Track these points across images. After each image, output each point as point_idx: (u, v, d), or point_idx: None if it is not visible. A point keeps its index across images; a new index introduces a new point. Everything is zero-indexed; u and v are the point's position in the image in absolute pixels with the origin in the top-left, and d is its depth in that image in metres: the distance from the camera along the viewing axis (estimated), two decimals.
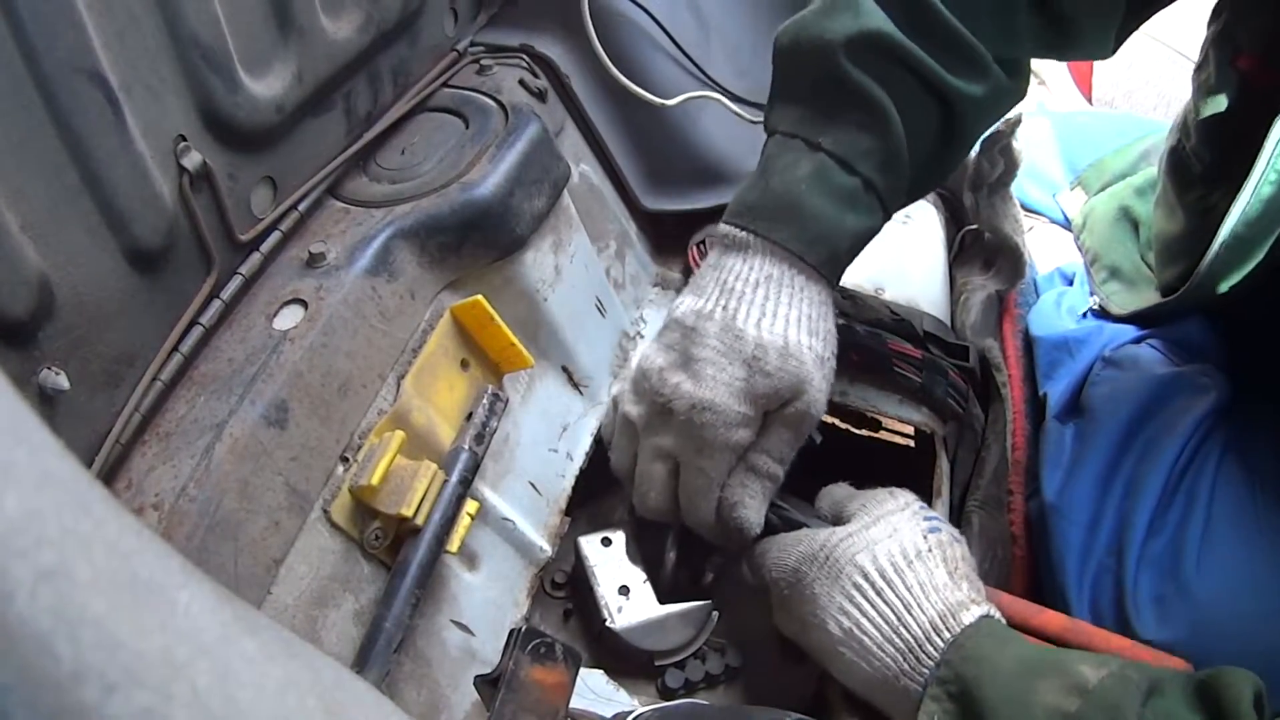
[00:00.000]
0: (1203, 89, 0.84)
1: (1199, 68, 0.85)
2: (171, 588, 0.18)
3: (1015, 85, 0.73)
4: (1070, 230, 1.10)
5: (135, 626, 0.16)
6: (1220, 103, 0.80)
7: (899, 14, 0.66)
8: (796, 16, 0.69)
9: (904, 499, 0.66)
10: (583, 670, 0.61)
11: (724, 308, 0.66)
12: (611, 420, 0.77)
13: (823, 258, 0.67)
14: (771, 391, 0.65)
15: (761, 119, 0.72)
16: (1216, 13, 0.82)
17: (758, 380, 0.65)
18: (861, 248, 0.70)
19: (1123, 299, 0.94)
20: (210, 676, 0.17)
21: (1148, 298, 0.91)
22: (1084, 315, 0.96)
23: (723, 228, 0.69)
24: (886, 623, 0.59)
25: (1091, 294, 0.99)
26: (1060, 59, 0.82)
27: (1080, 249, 1.05)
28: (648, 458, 0.69)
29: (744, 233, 0.67)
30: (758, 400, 0.66)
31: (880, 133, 0.66)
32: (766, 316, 0.66)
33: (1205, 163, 0.82)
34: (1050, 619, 0.67)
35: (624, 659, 0.72)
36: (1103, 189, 1.08)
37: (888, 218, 0.70)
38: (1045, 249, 1.09)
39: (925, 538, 0.62)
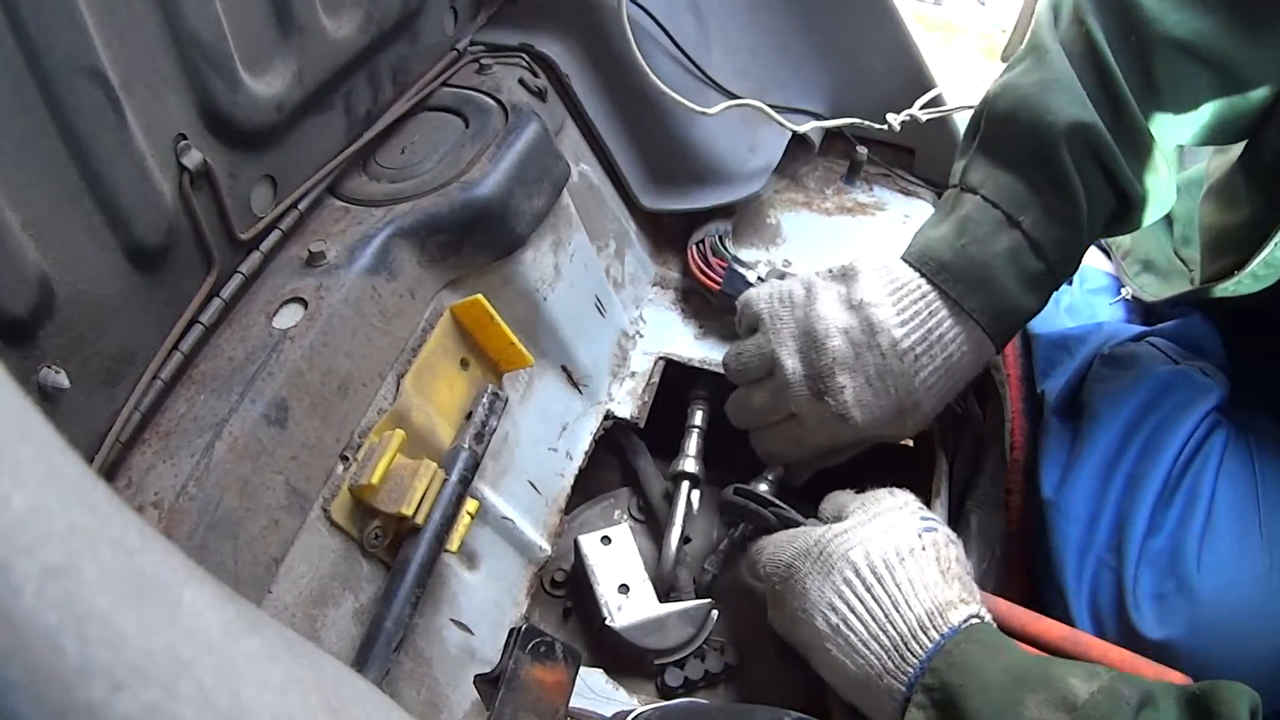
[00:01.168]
0: None
1: None
2: (176, 586, 0.18)
3: (1172, 181, 0.75)
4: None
5: (141, 624, 0.16)
6: None
7: (1102, 109, 0.68)
8: (1013, 79, 0.72)
9: (903, 498, 0.67)
10: (582, 669, 0.61)
11: (915, 357, 0.71)
12: (748, 319, 0.80)
13: (999, 331, 0.72)
14: (893, 435, 0.76)
15: (786, 122, 0.75)
16: None
17: (893, 425, 0.74)
18: (1026, 323, 0.77)
19: (1156, 289, 0.95)
20: (215, 674, 0.17)
21: (1180, 288, 0.91)
22: (1115, 303, 0.98)
23: (909, 271, 0.73)
24: (874, 618, 0.59)
25: (1121, 287, 1.00)
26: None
27: (1107, 245, 1.06)
28: (769, 403, 0.77)
29: (934, 289, 0.72)
30: (879, 433, 0.75)
31: (1071, 224, 0.70)
32: (935, 381, 0.73)
33: (1277, 153, 0.81)
34: (1048, 627, 0.67)
35: (623, 657, 0.72)
36: None
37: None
38: None
39: (919, 536, 0.62)
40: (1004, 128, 0.72)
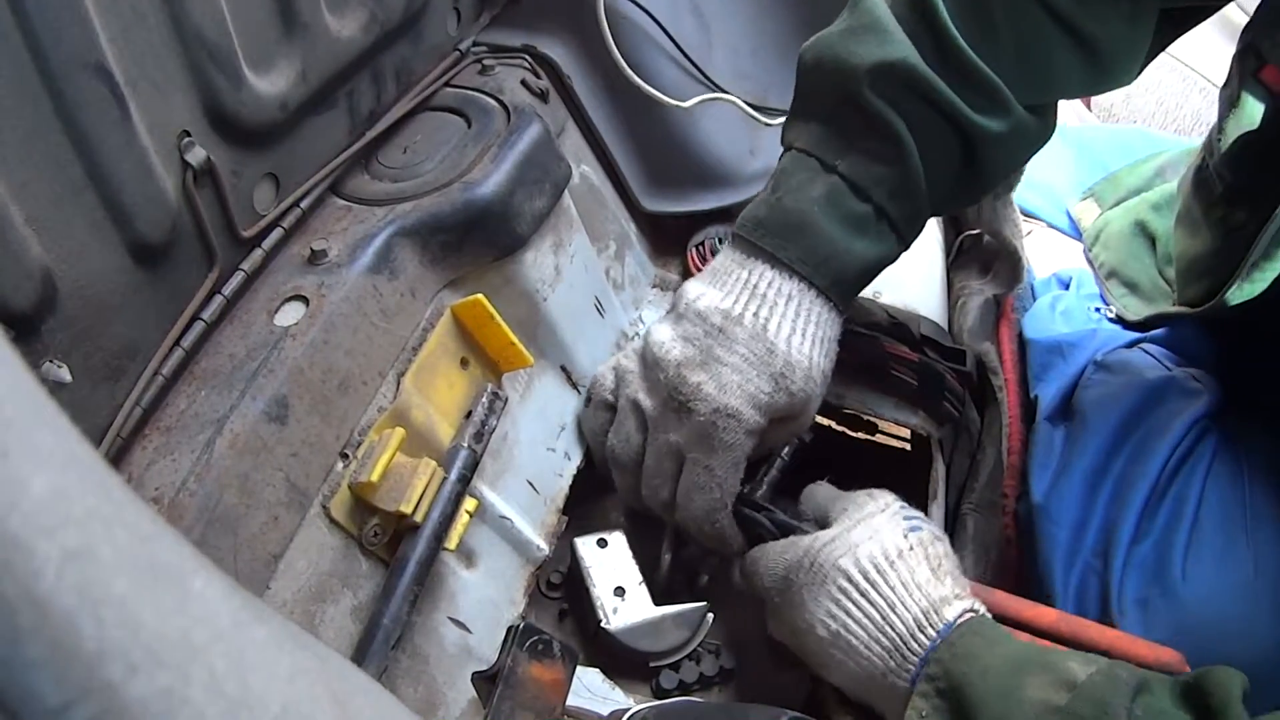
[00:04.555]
0: (1228, 105, 0.83)
1: (1225, 85, 0.84)
2: (187, 573, 0.18)
3: (1041, 124, 0.73)
4: (1078, 239, 1.10)
5: (156, 608, 0.16)
6: (1253, 116, 0.79)
7: (924, 47, 0.66)
8: (822, 34, 0.70)
9: (883, 500, 0.66)
10: (579, 669, 0.62)
11: (754, 314, 0.67)
12: (596, 404, 0.77)
13: (829, 280, 0.67)
14: (786, 409, 0.68)
15: (772, 122, 0.73)
16: (1244, 31, 0.82)
17: (780, 397, 0.67)
18: (872, 275, 0.71)
19: (1139, 309, 0.95)
20: (226, 660, 0.17)
21: (1164, 309, 0.91)
22: (1098, 316, 0.98)
23: (727, 251, 0.70)
24: (872, 622, 0.59)
25: (1108, 305, 1.00)
26: (1092, 94, 0.80)
27: (1091, 261, 1.06)
28: (660, 453, 0.70)
29: (750, 250, 0.68)
30: (773, 413, 0.68)
31: (895, 162, 0.66)
32: (796, 334, 0.67)
33: (1227, 181, 0.82)
34: (1042, 613, 0.67)
35: (619, 660, 0.72)
36: (1117, 204, 1.08)
37: (905, 246, 0.71)
38: (1043, 254, 1.10)
39: (906, 537, 0.62)
40: (812, 79, 0.70)
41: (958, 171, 0.70)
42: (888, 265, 0.72)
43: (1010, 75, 0.68)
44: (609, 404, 0.76)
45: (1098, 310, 0.98)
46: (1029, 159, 0.75)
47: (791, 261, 0.67)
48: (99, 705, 0.14)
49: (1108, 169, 1.13)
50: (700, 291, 0.70)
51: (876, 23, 0.66)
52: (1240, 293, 0.74)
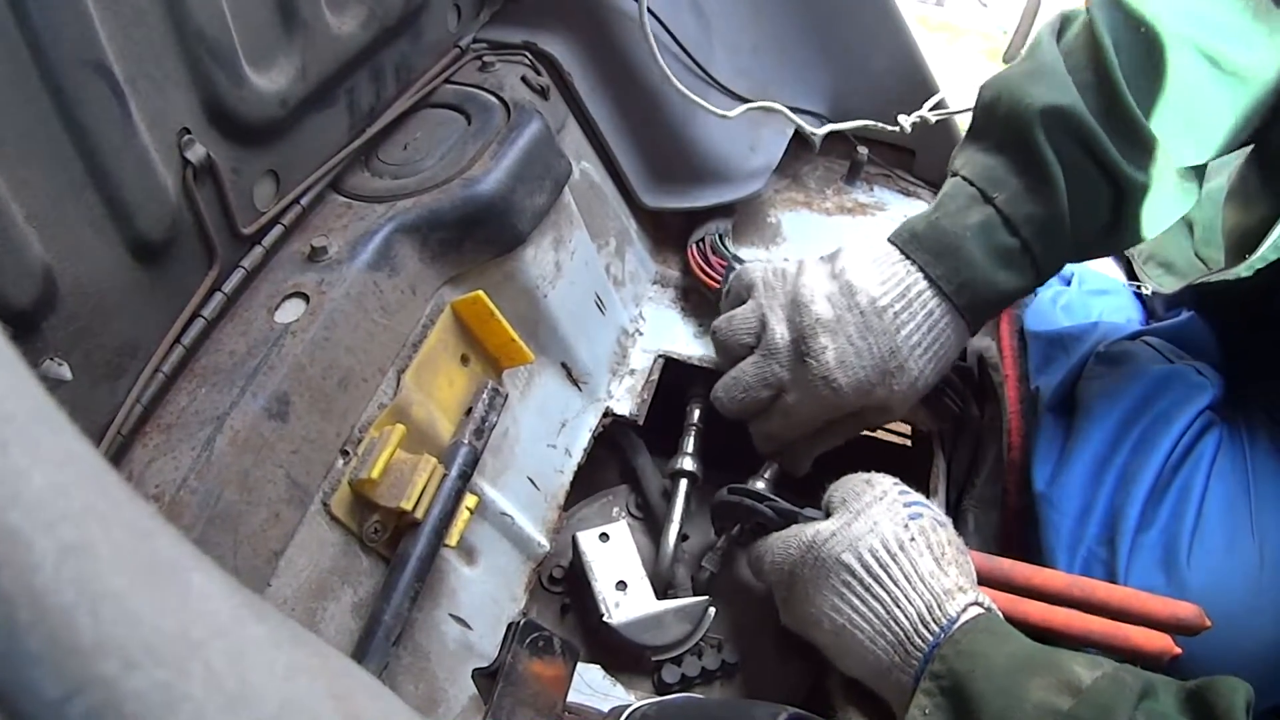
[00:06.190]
0: None
1: None
2: (185, 569, 0.18)
3: (1189, 187, 0.75)
4: None
5: (154, 604, 0.16)
6: None
7: (1091, 96, 0.69)
8: (1004, 71, 0.74)
9: (880, 487, 0.67)
10: (580, 665, 0.62)
11: (895, 314, 0.73)
12: (733, 298, 0.84)
13: (966, 302, 0.72)
14: (883, 402, 0.75)
15: (818, 131, 0.74)
16: None
17: (880, 391, 0.74)
18: (1007, 304, 0.77)
19: (1174, 285, 0.96)
20: (224, 657, 0.17)
21: (1199, 279, 0.91)
22: (1133, 292, 1.00)
23: (888, 245, 0.75)
24: (877, 617, 0.60)
25: (1138, 289, 1.02)
26: (1248, 139, 0.81)
27: (1130, 255, 1.07)
28: (762, 375, 0.78)
29: (906, 258, 0.73)
30: (870, 401, 0.75)
31: (1048, 202, 0.70)
32: (920, 346, 0.73)
33: None
34: (1052, 578, 0.68)
35: (621, 654, 0.73)
36: None
37: (1040, 283, 0.75)
38: None
39: (907, 526, 0.62)
40: (986, 115, 0.74)
41: (1105, 222, 0.73)
42: (1021, 298, 0.78)
43: (1171, 131, 0.70)
44: (741, 299, 0.83)
45: (1132, 290, 1.00)
46: (1171, 221, 0.77)
47: (938, 279, 0.72)
48: (96, 699, 0.14)
49: None
50: (859, 268, 0.75)
51: (1054, 69, 0.70)
52: (1264, 261, 0.74)
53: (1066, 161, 0.69)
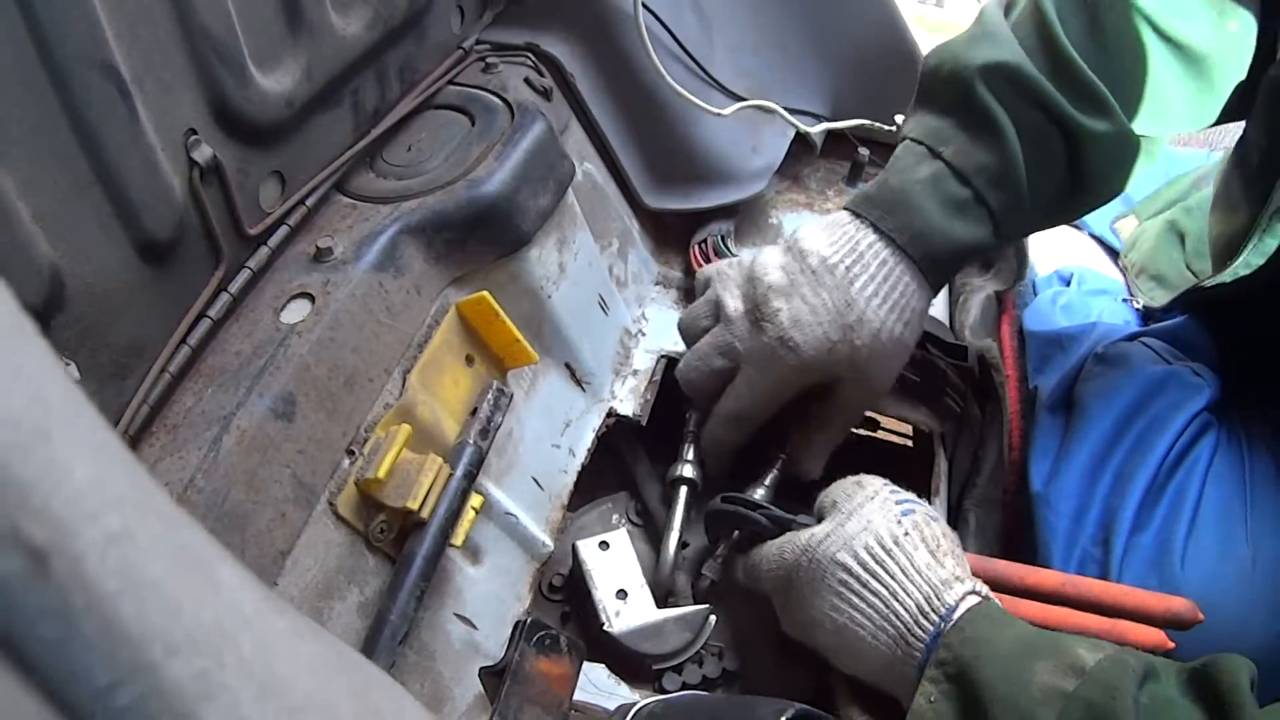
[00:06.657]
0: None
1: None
2: (213, 561, 0.18)
3: (1141, 137, 0.75)
4: (1116, 253, 1.11)
5: (190, 593, 0.16)
6: None
7: (1036, 56, 0.70)
8: (947, 41, 0.75)
9: (871, 487, 0.67)
10: (585, 665, 0.62)
11: (847, 268, 0.72)
12: (702, 285, 0.84)
13: (921, 253, 0.72)
14: (848, 360, 0.73)
15: (813, 129, 0.74)
16: None
17: (843, 348, 0.73)
18: (965, 260, 0.75)
19: (1164, 297, 0.97)
20: (254, 647, 0.17)
21: (1188, 288, 0.92)
22: (1127, 303, 1.00)
23: (840, 213, 0.76)
24: (877, 612, 0.60)
25: (1132, 298, 1.02)
26: (1197, 121, 0.82)
27: (1123, 269, 1.07)
28: (719, 344, 0.77)
29: (858, 218, 0.73)
30: (834, 362, 0.73)
31: (997, 151, 0.70)
32: (878, 296, 0.72)
33: (1262, 150, 0.82)
34: (1046, 577, 0.68)
35: (621, 662, 0.72)
36: (1155, 215, 1.09)
37: (1002, 239, 0.74)
38: (1046, 251, 1.10)
39: (900, 522, 0.63)
40: (931, 79, 0.75)
41: (1062, 174, 0.73)
42: (983, 253, 0.77)
43: (1119, 92, 0.71)
44: (704, 289, 0.83)
45: (1125, 301, 0.99)
46: (1130, 172, 0.76)
47: (890, 230, 0.72)
48: (142, 686, 0.15)
49: (1154, 188, 1.14)
50: (810, 235, 0.75)
51: (993, 31, 0.72)
52: (1259, 249, 0.74)
53: (1013, 111, 0.70)
